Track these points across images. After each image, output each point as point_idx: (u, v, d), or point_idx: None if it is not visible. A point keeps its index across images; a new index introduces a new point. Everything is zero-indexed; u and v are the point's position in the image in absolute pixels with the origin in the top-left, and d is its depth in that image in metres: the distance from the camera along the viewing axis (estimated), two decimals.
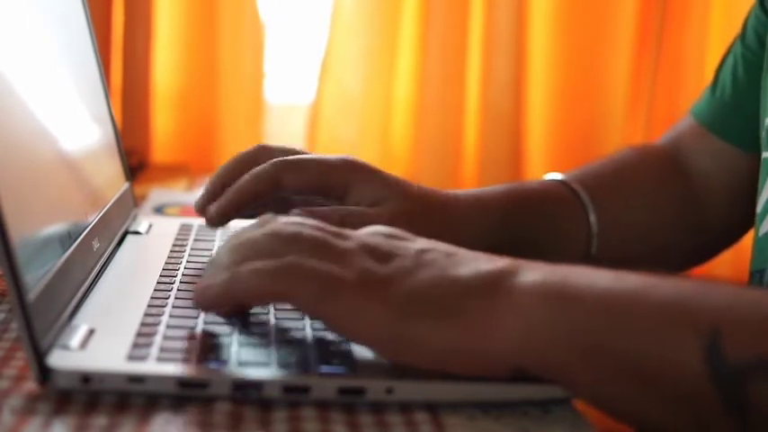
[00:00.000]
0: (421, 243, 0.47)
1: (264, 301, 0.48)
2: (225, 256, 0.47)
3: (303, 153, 0.62)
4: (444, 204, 0.62)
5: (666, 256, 0.75)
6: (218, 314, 0.49)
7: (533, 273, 0.44)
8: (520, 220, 0.65)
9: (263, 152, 0.62)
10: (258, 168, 0.59)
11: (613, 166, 0.74)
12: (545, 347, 0.42)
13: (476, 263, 0.45)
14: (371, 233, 0.48)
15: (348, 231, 0.48)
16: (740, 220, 0.74)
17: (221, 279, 0.45)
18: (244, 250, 0.46)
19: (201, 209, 0.62)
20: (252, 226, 0.49)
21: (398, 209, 0.59)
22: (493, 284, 0.44)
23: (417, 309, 0.43)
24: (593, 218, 0.68)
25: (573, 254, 0.68)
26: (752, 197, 0.69)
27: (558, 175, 0.71)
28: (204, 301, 0.47)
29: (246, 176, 0.59)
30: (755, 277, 0.63)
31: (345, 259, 0.45)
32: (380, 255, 0.46)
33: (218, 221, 0.60)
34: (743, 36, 0.73)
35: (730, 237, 0.77)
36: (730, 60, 0.74)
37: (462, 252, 0.47)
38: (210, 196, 0.62)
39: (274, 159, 0.60)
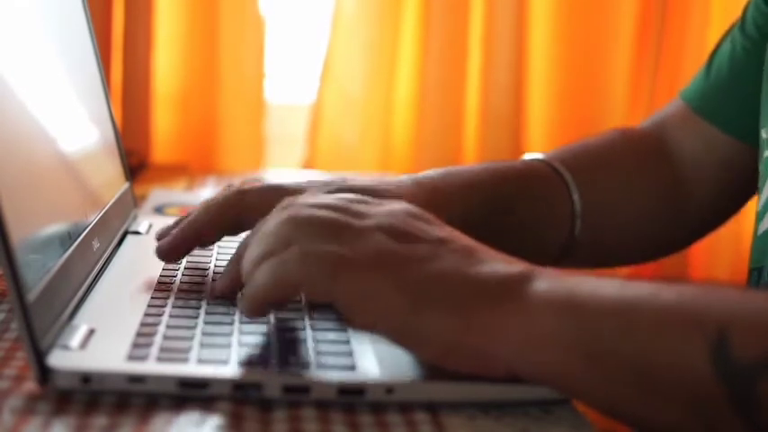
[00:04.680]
0: (444, 231, 0.47)
1: (288, 296, 0.47)
2: (246, 253, 0.47)
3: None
4: (434, 192, 0.61)
5: (648, 238, 0.74)
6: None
7: (544, 281, 0.44)
8: (505, 199, 0.65)
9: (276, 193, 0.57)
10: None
11: (595, 147, 0.73)
12: (547, 353, 0.42)
13: (494, 264, 0.45)
14: (392, 212, 0.47)
15: (367, 210, 0.47)
16: (725, 205, 0.74)
17: (246, 291, 0.46)
18: (260, 247, 0.46)
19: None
20: (273, 212, 0.48)
21: None
22: (506, 288, 0.44)
23: (430, 299, 0.43)
24: (576, 197, 0.68)
25: (557, 234, 0.68)
26: (737, 182, 0.69)
27: (539, 155, 0.70)
28: (248, 314, 0.46)
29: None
30: (754, 274, 0.63)
31: (360, 238, 0.44)
32: (399, 234, 0.45)
33: (166, 257, 0.58)
34: (742, 25, 0.72)
35: (714, 221, 0.76)
36: (727, 47, 0.73)
37: (483, 250, 0.47)
38: None
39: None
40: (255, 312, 0.46)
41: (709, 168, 0.73)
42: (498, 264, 0.45)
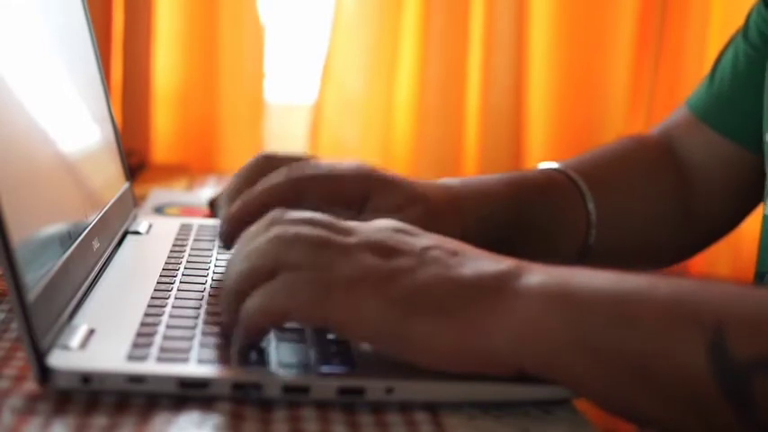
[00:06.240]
0: (427, 240, 0.47)
1: (280, 323, 0.46)
2: (233, 272, 0.46)
3: (309, 160, 0.61)
4: (454, 197, 0.62)
5: (660, 246, 0.75)
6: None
7: (536, 275, 0.44)
8: (524, 208, 0.65)
9: (268, 163, 0.61)
10: (272, 183, 0.58)
11: (609, 156, 0.74)
12: (545, 348, 0.42)
13: (480, 263, 0.45)
14: (377, 229, 0.47)
15: (353, 226, 0.47)
16: (733, 212, 0.74)
17: (239, 321, 0.45)
18: (245, 264, 0.45)
19: (229, 239, 0.58)
20: (258, 226, 0.48)
21: (415, 216, 0.58)
22: (495, 286, 0.44)
23: (419, 306, 0.43)
24: (591, 206, 0.68)
25: (573, 243, 0.68)
26: (745, 190, 0.69)
27: (554, 164, 0.71)
28: (243, 342, 0.46)
29: (259, 189, 0.58)
30: (762, 279, 0.63)
31: (346, 256, 0.45)
32: (384, 250, 0.45)
33: (228, 241, 0.57)
34: (745, 32, 0.72)
35: (723, 228, 0.76)
36: (730, 54, 0.73)
37: (467, 250, 0.47)
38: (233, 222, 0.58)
39: (288, 173, 0.58)
40: (251, 340, 0.46)
41: (715, 175, 0.73)
42: (484, 262, 0.45)
